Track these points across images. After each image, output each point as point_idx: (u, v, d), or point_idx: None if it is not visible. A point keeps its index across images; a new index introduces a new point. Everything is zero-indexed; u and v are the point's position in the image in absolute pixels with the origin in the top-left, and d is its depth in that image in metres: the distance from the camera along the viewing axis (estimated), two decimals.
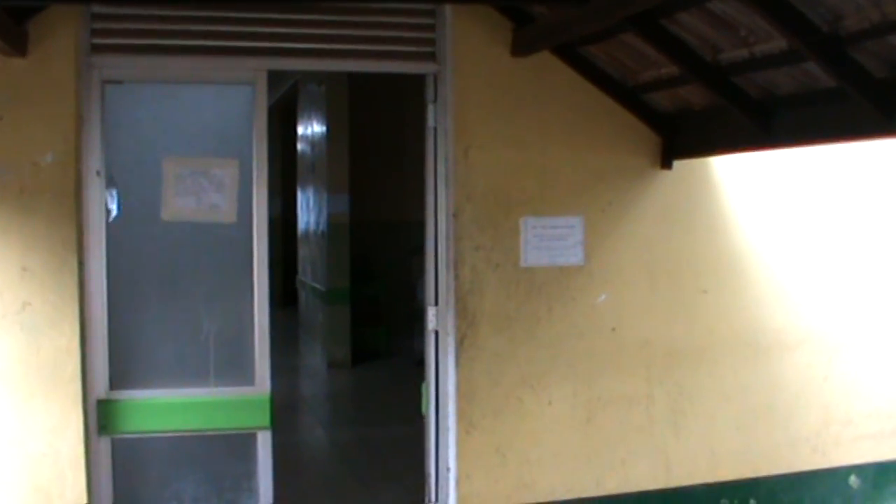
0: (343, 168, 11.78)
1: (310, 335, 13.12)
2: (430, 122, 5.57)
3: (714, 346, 5.89)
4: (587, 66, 5.52)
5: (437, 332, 5.63)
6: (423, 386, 5.70)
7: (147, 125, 5.30)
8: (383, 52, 5.46)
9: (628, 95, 5.57)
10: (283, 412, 9.46)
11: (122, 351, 5.21)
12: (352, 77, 11.76)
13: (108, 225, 5.18)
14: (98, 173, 5.14)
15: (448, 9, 5.34)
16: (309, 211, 13.06)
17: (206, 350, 5.33)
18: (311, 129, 12.70)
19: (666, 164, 5.64)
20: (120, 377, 5.20)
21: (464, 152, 5.45)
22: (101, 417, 5.13)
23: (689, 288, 5.82)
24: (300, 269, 14.15)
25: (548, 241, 5.56)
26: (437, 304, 5.60)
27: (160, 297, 5.32)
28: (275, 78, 14.85)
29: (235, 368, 5.36)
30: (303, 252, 13.89)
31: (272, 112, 17.19)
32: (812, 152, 5.84)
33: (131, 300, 5.26)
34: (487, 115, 5.47)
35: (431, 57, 5.51)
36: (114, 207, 5.21)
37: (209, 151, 5.35)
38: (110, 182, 5.18)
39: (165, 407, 5.25)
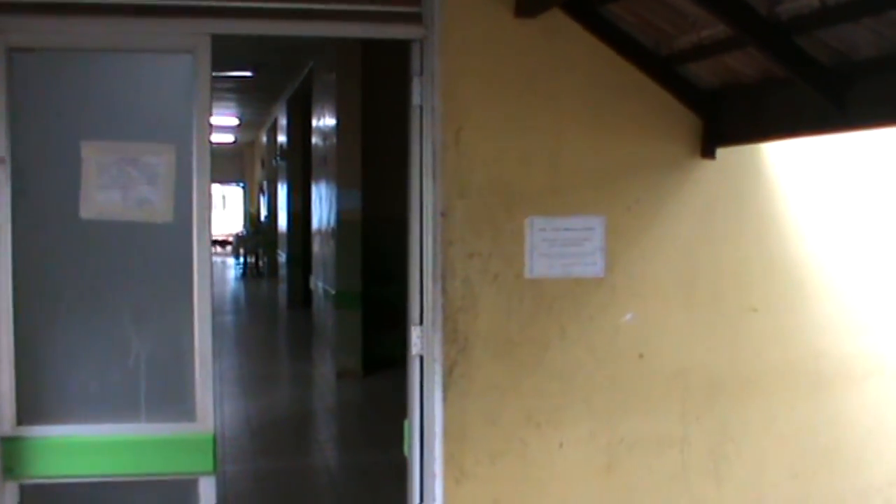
0: (355, 161, 10.85)
1: (322, 341, 12.23)
2: (416, 100, 4.61)
3: (765, 377, 4.93)
4: (610, 30, 4.51)
5: (421, 358, 4.62)
6: (406, 423, 4.70)
7: (64, 103, 4.36)
8: (356, 12, 4.48)
9: (661, 67, 4.55)
10: (276, 430, 8.57)
11: (33, 378, 4.35)
12: (365, 63, 10.85)
13: (13, 224, 4.28)
14: (2, 161, 4.25)
15: None
16: (321, 207, 12.16)
17: (135, 378, 4.43)
18: (323, 120, 11.80)
19: (707, 152, 4.65)
20: (30, 410, 4.34)
21: (455, 136, 4.49)
22: (6, 458, 4.29)
23: (735, 305, 4.86)
24: (313, 269, 13.25)
25: (560, 246, 4.62)
26: (421, 322, 4.61)
27: (79, 313, 4.40)
28: (291, 65, 13.94)
29: (172, 401, 4.46)
30: (315, 251, 13.01)
31: (291, 103, 16.50)
32: (892, 135, 4.74)
33: (43, 316, 4.36)
34: (485, 91, 4.51)
35: (416, 18, 4.53)
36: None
37: (140, 135, 4.39)
38: (16, 171, 4.27)
39: (85, 446, 4.37)
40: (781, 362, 4.93)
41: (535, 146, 4.56)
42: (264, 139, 22.80)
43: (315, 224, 13.05)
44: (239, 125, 21.46)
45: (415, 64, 4.59)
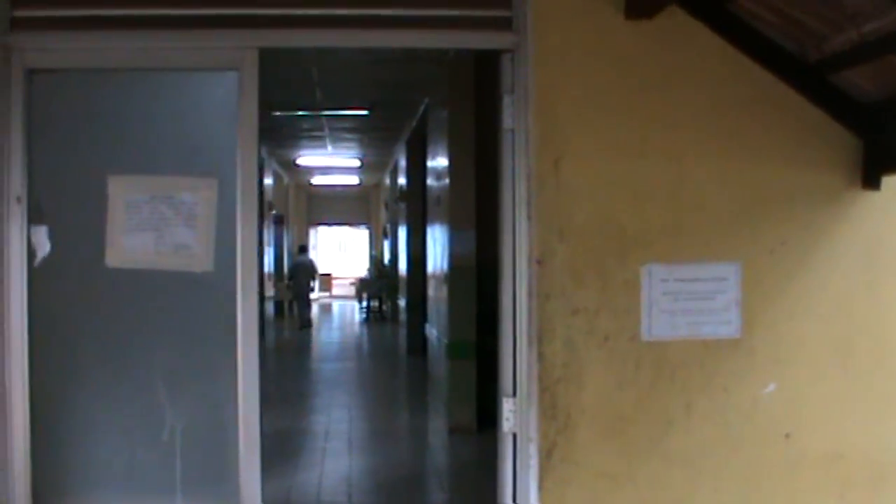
0: (468, 200, 10.13)
1: (436, 393, 11.52)
2: (507, 123, 3.92)
3: None
4: (743, 32, 3.75)
5: (515, 436, 3.84)
6: None
7: (89, 132, 3.84)
8: (432, 18, 3.84)
9: (809, 75, 3.77)
10: (377, 495, 7.86)
11: (51, 451, 3.85)
12: (479, 97, 10.14)
13: (31, 273, 3.75)
14: (18, 199, 3.75)
15: None
16: (435, 251, 11.50)
17: (170, 454, 3.86)
18: (437, 159, 11.18)
19: (870, 180, 3.88)
20: (47, 487, 3.86)
21: (553, 166, 3.81)
22: None
23: None
24: (428, 315, 12.59)
25: (685, 300, 3.89)
26: (514, 394, 3.85)
27: (104, 377, 3.85)
28: (405, 103, 13.43)
29: (212, 481, 3.88)
30: (430, 296, 12.35)
31: (410, 143, 16.01)
32: None
33: (63, 380, 3.84)
34: (589, 110, 3.82)
35: (506, 24, 3.86)
36: (43, 247, 3.67)
37: (175, 168, 3.82)
38: (36, 212, 3.75)
39: None
40: None
41: (651, 177, 3.86)
42: (387, 181, 22.46)
43: (430, 268, 12.40)
44: (361, 166, 21.17)
45: (505, 79, 3.92)
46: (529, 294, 3.80)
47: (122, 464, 3.82)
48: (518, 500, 3.84)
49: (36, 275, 3.72)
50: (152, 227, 3.73)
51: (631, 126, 3.80)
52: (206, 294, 3.78)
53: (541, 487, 3.76)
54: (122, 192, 3.71)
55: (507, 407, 3.90)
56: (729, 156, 3.85)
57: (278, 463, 8.01)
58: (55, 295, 3.77)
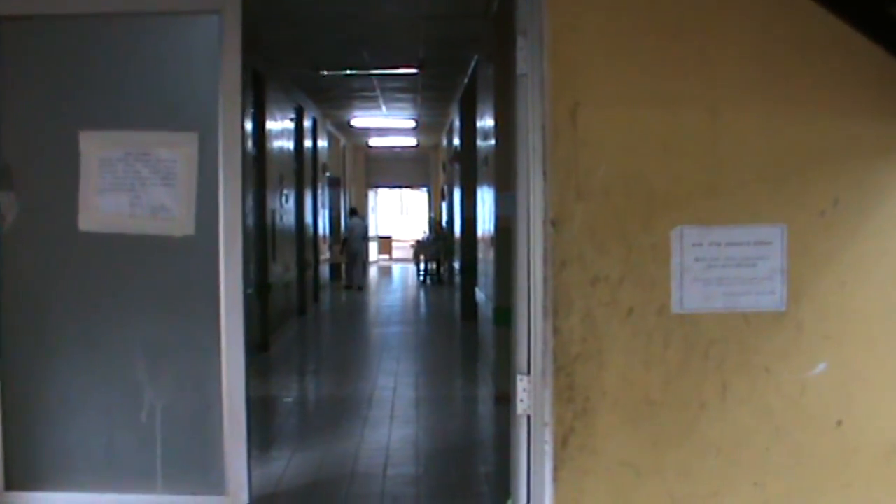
0: (513, 159, 9.73)
1: (485, 359, 11.23)
2: (521, 68, 3.53)
3: None
4: None
5: (529, 418, 3.47)
6: None
7: (59, 84, 3.55)
8: None
9: (867, 6, 3.31)
10: (415, 466, 7.59)
11: (23, 434, 3.63)
12: None
13: None
14: None
15: None
16: (483, 213, 11.19)
17: (149, 436, 3.61)
18: (484, 117, 10.85)
19: None
20: (19, 473, 3.67)
21: (569, 114, 3.36)
22: None
23: None
24: (478, 279, 12.32)
25: (722, 268, 3.44)
26: (529, 372, 3.47)
27: (78, 353, 3.58)
28: (455, 60, 13.06)
29: (195, 467, 3.62)
30: (480, 259, 12.08)
31: (462, 103, 15.64)
32: None
33: (35, 355, 3.59)
34: (611, 52, 3.36)
35: None
36: (11, 210, 3.40)
37: (153, 121, 3.51)
38: (3, 172, 3.49)
39: None
40: None
41: (684, 128, 3.39)
42: (444, 142, 22.19)
43: (479, 231, 12.12)
44: (416, 127, 20.90)
45: (519, 19, 3.51)
46: (544, 261, 3.38)
47: (98, 447, 3.57)
48: (532, 490, 3.47)
49: (4, 240, 3.45)
50: (128, 187, 3.43)
51: (660, 71, 3.32)
52: (186, 260, 3.49)
53: (556, 478, 3.35)
54: (95, 150, 3.41)
55: (521, 386, 3.50)
56: (773, 104, 3.37)
57: (316, 433, 7.79)
58: (24, 262, 3.51)
